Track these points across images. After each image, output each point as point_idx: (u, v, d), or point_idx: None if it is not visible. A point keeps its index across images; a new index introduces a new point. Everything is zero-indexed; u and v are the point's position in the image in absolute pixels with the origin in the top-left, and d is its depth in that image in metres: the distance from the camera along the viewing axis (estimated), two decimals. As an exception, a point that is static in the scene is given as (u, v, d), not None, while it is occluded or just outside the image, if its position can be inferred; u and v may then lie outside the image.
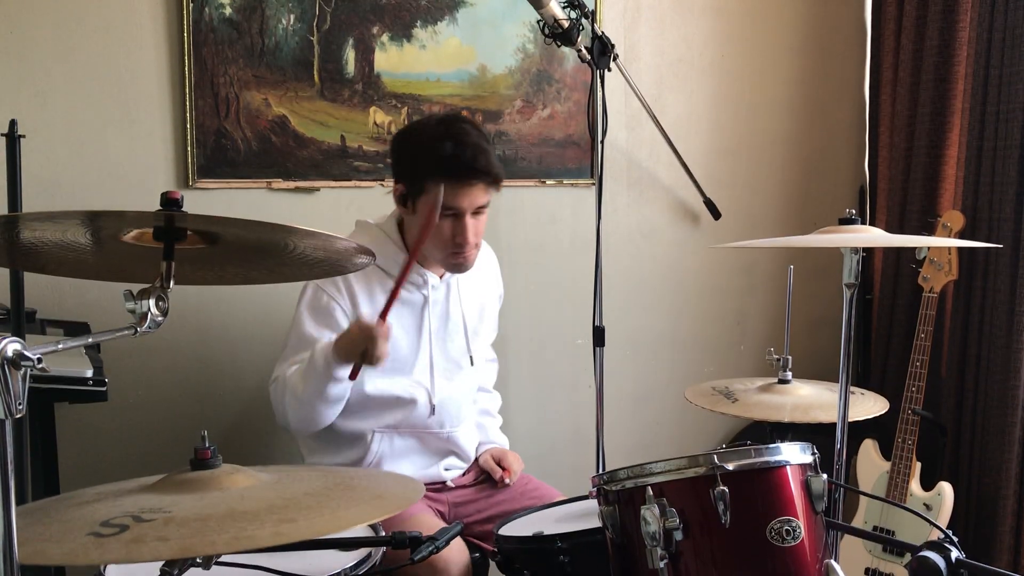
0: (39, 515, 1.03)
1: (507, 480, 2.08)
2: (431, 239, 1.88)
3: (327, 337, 1.86)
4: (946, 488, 2.43)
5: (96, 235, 1.11)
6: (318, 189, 2.47)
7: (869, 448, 2.60)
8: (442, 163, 1.83)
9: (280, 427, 2.02)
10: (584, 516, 1.71)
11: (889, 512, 2.49)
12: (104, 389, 1.71)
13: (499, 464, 2.12)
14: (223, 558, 1.14)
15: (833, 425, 1.70)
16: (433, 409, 1.99)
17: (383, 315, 1.74)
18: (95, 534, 0.94)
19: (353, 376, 1.79)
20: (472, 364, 2.07)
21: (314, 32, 2.42)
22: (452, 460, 2.09)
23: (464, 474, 2.12)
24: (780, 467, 1.36)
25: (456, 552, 1.77)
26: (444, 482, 2.07)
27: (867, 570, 2.49)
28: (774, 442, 1.37)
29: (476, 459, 2.16)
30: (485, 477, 2.13)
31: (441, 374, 2.01)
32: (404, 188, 1.91)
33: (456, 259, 1.93)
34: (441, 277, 2.01)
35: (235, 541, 0.93)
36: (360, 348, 1.74)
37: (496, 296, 2.22)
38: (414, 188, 1.88)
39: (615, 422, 2.48)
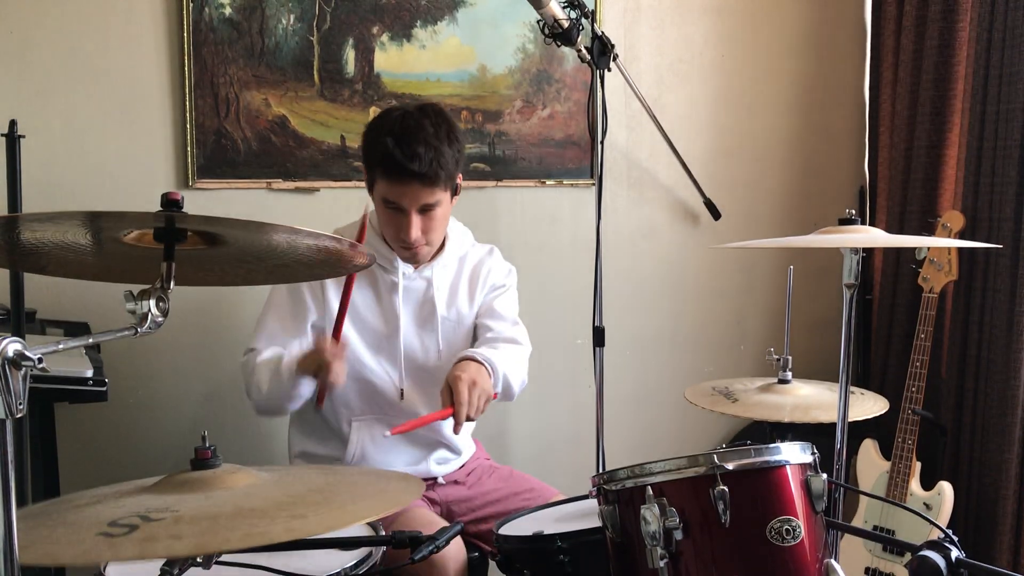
0: (41, 518, 1.03)
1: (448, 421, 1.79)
2: (385, 229, 1.94)
3: (297, 306, 1.94)
4: (946, 488, 2.43)
5: (96, 236, 1.11)
6: (318, 189, 2.47)
7: (869, 448, 2.60)
8: (381, 159, 1.84)
9: (277, 424, 2.02)
10: (584, 516, 1.71)
11: (889, 512, 2.49)
12: (104, 389, 1.71)
13: (451, 391, 1.79)
14: (223, 557, 1.14)
15: (833, 425, 1.70)
16: (401, 393, 1.99)
17: (335, 332, 1.82)
18: (105, 534, 0.94)
19: (319, 404, 1.91)
20: (440, 357, 2.02)
21: (314, 32, 2.42)
22: (443, 453, 2.06)
23: (458, 469, 2.10)
24: (780, 467, 1.36)
25: (454, 551, 1.77)
26: (435, 478, 2.05)
27: (867, 570, 2.49)
28: (774, 442, 1.37)
29: (474, 452, 2.16)
30: (475, 466, 2.12)
31: (410, 361, 2.00)
32: (365, 176, 1.96)
33: (404, 253, 1.95)
34: (416, 267, 2.01)
35: (248, 538, 0.93)
36: (315, 368, 1.80)
37: (490, 286, 2.10)
38: (370, 179, 1.92)
39: (615, 422, 2.48)
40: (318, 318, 1.96)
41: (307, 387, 1.88)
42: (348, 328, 1.94)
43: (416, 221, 1.87)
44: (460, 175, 1.96)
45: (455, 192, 1.96)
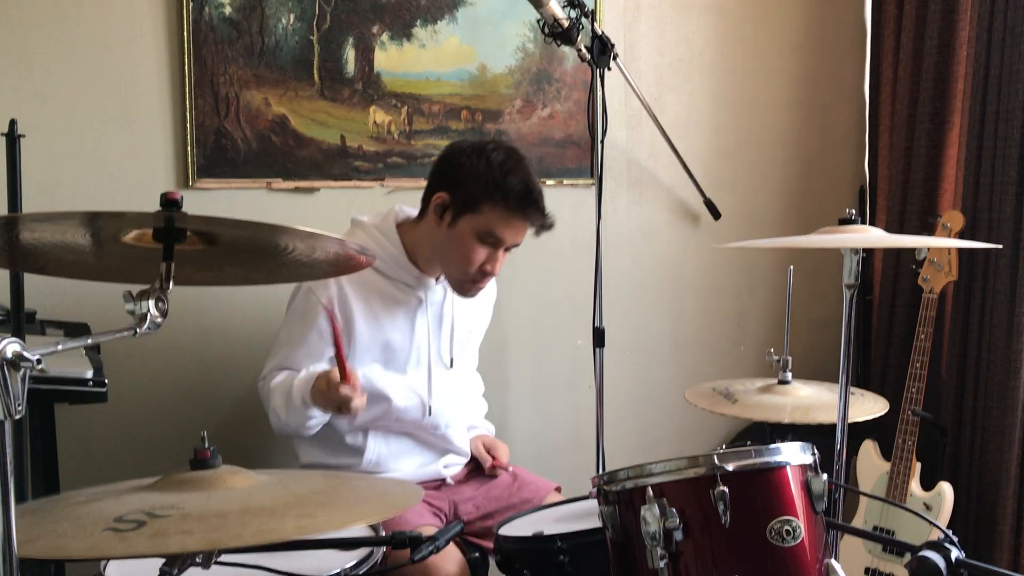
0: (40, 514, 1.03)
1: (497, 471, 2.13)
2: (455, 261, 1.91)
3: (311, 338, 1.90)
4: (946, 488, 2.43)
5: (96, 236, 1.11)
6: (318, 189, 2.47)
7: (869, 448, 2.60)
8: (511, 195, 1.85)
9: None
10: (584, 516, 1.71)
11: (889, 512, 2.49)
12: (104, 390, 1.70)
13: (489, 453, 2.16)
14: (223, 557, 1.14)
15: (833, 426, 1.70)
16: (429, 410, 2.00)
17: (342, 375, 1.72)
18: (112, 529, 0.94)
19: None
20: (452, 366, 2.06)
21: (314, 31, 2.42)
22: (450, 458, 2.10)
23: (463, 468, 2.14)
24: (780, 467, 1.36)
25: (452, 552, 1.78)
26: (444, 479, 2.08)
27: (867, 570, 2.49)
28: (774, 443, 1.37)
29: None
30: (476, 466, 2.16)
31: (435, 375, 2.02)
32: (449, 200, 1.89)
33: (471, 286, 1.95)
34: (437, 279, 2.01)
35: (260, 534, 0.93)
36: (335, 404, 1.76)
37: (484, 321, 2.22)
38: (465, 206, 1.87)
39: (615, 422, 2.47)
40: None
41: (320, 415, 1.87)
42: (374, 350, 1.94)
43: (502, 258, 1.92)
44: None
45: None
